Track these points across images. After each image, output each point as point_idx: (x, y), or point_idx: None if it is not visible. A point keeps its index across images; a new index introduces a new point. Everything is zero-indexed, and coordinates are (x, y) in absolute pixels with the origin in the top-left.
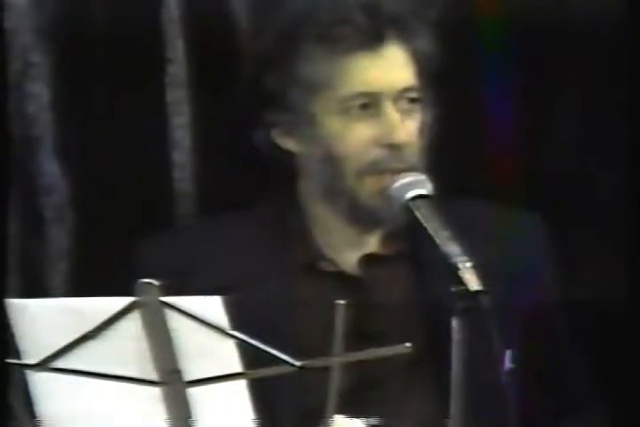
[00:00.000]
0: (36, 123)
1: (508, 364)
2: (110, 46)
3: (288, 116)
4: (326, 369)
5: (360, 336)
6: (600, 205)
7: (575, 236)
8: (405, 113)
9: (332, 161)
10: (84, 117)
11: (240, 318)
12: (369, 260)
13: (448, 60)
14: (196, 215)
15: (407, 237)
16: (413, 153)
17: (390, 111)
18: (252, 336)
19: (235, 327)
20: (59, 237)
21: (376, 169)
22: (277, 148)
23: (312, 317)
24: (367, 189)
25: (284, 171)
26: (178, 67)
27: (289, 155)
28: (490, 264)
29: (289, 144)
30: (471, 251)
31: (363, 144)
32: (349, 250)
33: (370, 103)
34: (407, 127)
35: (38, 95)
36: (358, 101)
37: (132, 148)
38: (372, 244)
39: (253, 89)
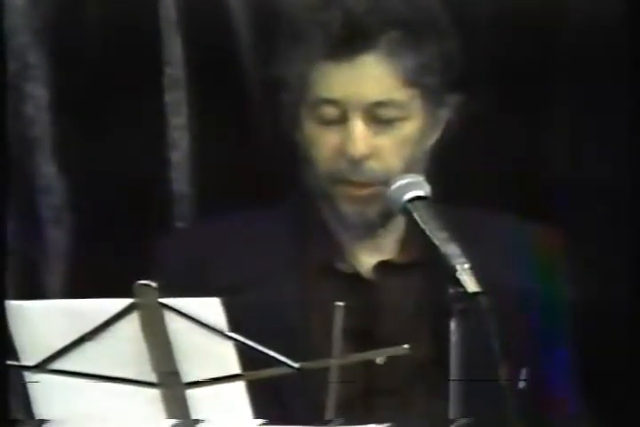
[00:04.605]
0: (34, 124)
1: (521, 382)
2: (108, 47)
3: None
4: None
5: (370, 340)
6: (600, 205)
7: (575, 235)
8: (381, 127)
9: (309, 165)
10: (81, 118)
11: (254, 316)
12: (384, 266)
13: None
14: (193, 216)
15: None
16: (380, 167)
17: (355, 123)
18: (265, 335)
19: (248, 327)
20: (57, 238)
21: (338, 179)
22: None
23: (326, 317)
24: (340, 195)
25: (299, 169)
26: (176, 68)
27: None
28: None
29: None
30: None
31: (328, 153)
32: (364, 253)
33: (339, 113)
34: (372, 141)
35: (36, 96)
36: (326, 108)
37: (130, 148)
38: (390, 250)
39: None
